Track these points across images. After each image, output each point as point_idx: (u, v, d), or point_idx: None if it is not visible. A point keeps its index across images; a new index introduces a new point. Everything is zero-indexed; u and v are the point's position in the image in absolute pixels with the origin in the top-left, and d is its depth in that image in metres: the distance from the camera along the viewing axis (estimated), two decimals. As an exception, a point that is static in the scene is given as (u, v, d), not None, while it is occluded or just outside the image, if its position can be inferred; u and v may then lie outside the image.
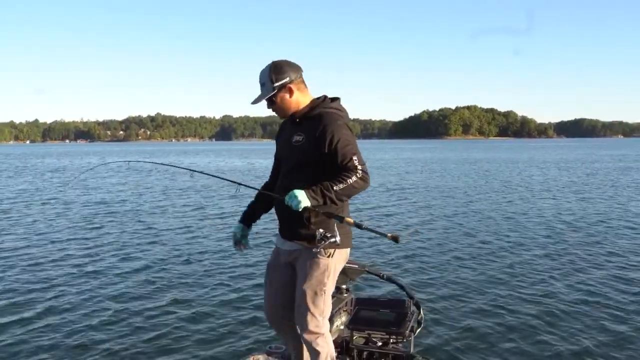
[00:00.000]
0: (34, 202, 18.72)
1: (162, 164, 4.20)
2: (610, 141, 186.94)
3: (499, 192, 21.02)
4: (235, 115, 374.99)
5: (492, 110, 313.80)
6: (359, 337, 3.81)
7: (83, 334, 5.93)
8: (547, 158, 53.94)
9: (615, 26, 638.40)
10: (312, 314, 2.94)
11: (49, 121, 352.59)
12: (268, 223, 8.85)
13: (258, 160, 54.70)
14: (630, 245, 10.50)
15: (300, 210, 2.71)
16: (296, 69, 3.03)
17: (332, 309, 3.63)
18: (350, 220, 2.89)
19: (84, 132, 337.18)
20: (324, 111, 2.96)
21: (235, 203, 17.13)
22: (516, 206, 16.68)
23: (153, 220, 14.03)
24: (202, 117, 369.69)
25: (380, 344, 3.70)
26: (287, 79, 2.96)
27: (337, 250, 2.95)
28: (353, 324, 3.75)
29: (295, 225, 2.98)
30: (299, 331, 3.00)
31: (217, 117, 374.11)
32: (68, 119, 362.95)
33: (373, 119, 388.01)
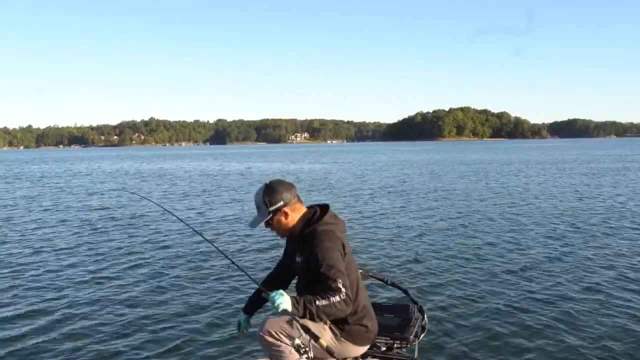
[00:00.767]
0: (35, 209, 18.87)
1: (167, 210, 4.40)
2: (604, 141, 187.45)
3: (499, 194, 21.15)
4: (229, 119, 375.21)
5: (485, 112, 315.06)
6: None
7: (85, 337, 6.07)
8: (544, 159, 54.24)
9: (610, 26, 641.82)
10: (276, 320, 3.15)
11: (42, 126, 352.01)
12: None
13: (256, 164, 54.67)
14: (633, 244, 10.67)
15: (279, 310, 2.78)
16: (289, 188, 3.15)
17: None
18: (324, 343, 2.91)
19: (78, 138, 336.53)
20: (314, 232, 3.08)
21: (236, 207, 17.30)
22: (518, 208, 16.82)
23: (157, 226, 14.28)
24: (196, 121, 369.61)
25: (384, 349, 3.70)
26: (281, 202, 3.09)
27: (339, 342, 3.20)
28: None
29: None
30: None
31: (211, 121, 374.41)
32: (62, 124, 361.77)
33: (367, 121, 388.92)
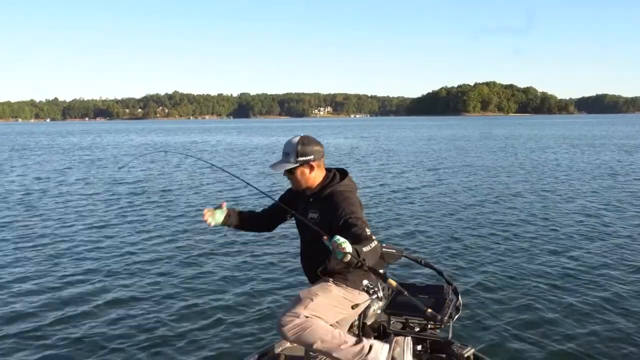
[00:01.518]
0: (70, 180, 19.21)
1: (224, 170, 4.14)
2: (634, 117, 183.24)
3: (529, 171, 20.80)
4: (253, 92, 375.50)
5: (511, 87, 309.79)
6: (396, 322, 3.82)
7: (123, 307, 6.24)
8: (572, 134, 53.24)
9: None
10: (292, 309, 3.10)
11: (68, 99, 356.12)
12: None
13: (281, 138, 54.50)
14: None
15: (347, 251, 2.70)
16: (320, 148, 3.24)
17: None
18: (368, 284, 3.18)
19: (103, 110, 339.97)
20: (334, 190, 3.17)
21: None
22: (550, 185, 16.59)
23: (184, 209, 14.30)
24: (220, 95, 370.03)
25: (417, 329, 3.70)
26: (312, 156, 3.18)
27: (343, 286, 3.21)
28: (390, 308, 3.76)
29: (313, 267, 3.29)
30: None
31: (235, 94, 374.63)
32: (87, 97, 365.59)
33: (391, 96, 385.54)
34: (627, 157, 26.32)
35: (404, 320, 3.77)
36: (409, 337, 3.36)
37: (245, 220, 3.52)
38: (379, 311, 3.88)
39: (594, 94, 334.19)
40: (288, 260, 8.02)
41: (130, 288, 7.04)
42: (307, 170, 3.18)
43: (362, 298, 3.29)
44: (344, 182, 3.21)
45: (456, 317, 3.67)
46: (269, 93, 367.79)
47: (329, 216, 3.08)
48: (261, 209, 3.70)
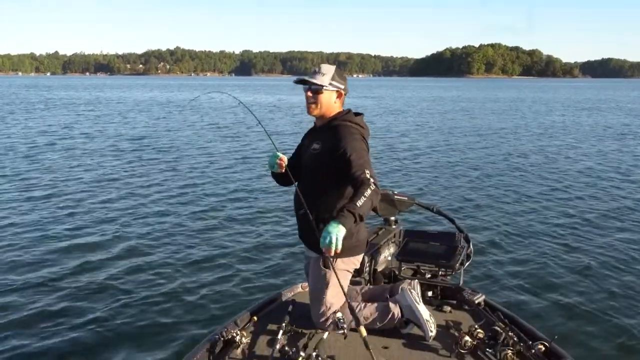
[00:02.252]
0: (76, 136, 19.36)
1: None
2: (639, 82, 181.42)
3: (541, 136, 20.97)
4: (255, 50, 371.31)
5: (516, 49, 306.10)
6: (407, 268, 3.85)
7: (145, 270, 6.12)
8: (578, 98, 52.99)
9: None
10: (317, 310, 3.13)
11: (69, 53, 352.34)
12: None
13: (287, 96, 54.18)
14: None
15: (340, 240, 2.64)
16: (347, 86, 3.18)
17: (381, 240, 3.89)
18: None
19: (104, 65, 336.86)
20: (342, 123, 3.07)
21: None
22: (559, 147, 16.87)
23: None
24: (222, 52, 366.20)
25: (429, 276, 3.73)
26: (343, 86, 3.12)
27: (340, 260, 3.05)
28: (402, 255, 3.78)
29: (306, 230, 3.16)
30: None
31: (237, 52, 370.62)
32: (88, 51, 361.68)
33: (394, 56, 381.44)
34: (633, 121, 26.45)
35: (415, 267, 3.83)
36: (415, 281, 3.36)
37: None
38: (390, 258, 3.96)
39: (600, 58, 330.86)
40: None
41: (143, 237, 7.21)
42: (334, 96, 3.09)
43: (360, 257, 3.25)
44: (356, 120, 3.11)
45: (467, 264, 3.74)
46: (271, 51, 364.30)
47: (331, 149, 2.97)
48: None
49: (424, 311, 3.06)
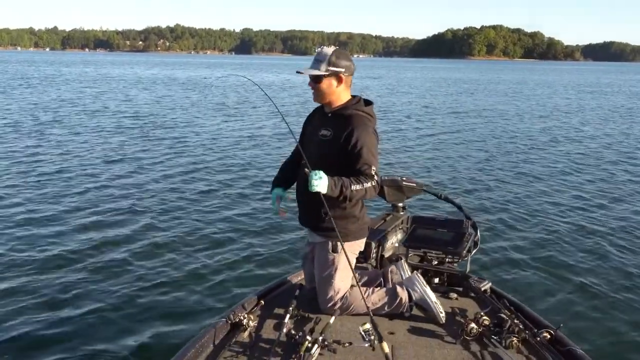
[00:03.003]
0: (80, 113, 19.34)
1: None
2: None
3: (546, 115, 21.13)
4: (256, 28, 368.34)
5: (518, 31, 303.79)
6: (414, 254, 3.85)
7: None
8: (582, 81, 52.77)
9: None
10: (325, 296, 3.16)
11: (68, 29, 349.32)
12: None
13: (290, 76, 53.66)
14: None
15: (312, 191, 2.76)
16: (352, 65, 3.10)
17: (388, 227, 3.90)
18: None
19: (103, 42, 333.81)
20: (355, 113, 3.05)
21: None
22: (565, 130, 17.00)
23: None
24: (222, 30, 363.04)
25: (435, 262, 3.74)
26: (343, 69, 3.03)
27: (347, 244, 3.04)
28: (409, 241, 3.79)
29: (312, 214, 3.15)
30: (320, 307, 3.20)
31: (237, 30, 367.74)
32: (87, 27, 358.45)
33: (395, 37, 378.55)
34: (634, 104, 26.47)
35: (422, 254, 3.82)
36: (402, 261, 3.44)
37: (288, 177, 3.38)
38: (397, 244, 3.96)
39: (601, 41, 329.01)
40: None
41: (141, 218, 7.19)
42: (334, 82, 3.04)
43: (364, 241, 3.30)
44: (368, 109, 3.10)
45: (474, 251, 3.71)
46: (272, 29, 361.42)
47: (342, 136, 2.97)
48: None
49: (431, 294, 3.16)
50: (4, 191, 8.34)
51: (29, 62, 75.90)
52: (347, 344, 2.78)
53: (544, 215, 7.64)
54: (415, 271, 3.37)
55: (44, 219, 7.11)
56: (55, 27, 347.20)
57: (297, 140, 3.21)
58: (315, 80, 3.05)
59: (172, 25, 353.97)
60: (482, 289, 3.41)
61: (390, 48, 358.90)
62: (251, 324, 2.97)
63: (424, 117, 20.01)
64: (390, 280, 3.35)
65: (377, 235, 3.75)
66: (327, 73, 3.01)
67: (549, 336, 2.82)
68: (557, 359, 2.72)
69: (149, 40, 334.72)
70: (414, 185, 3.99)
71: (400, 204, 4.23)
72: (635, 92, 37.67)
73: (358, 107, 3.08)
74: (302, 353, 2.65)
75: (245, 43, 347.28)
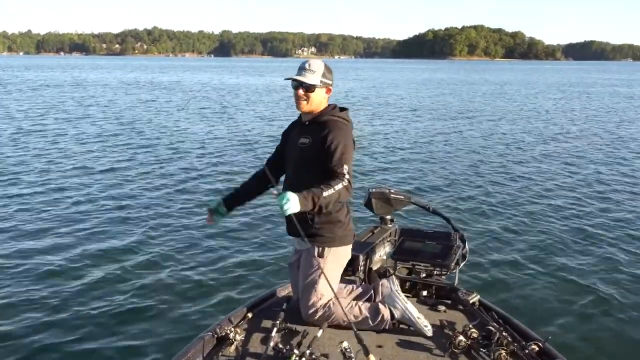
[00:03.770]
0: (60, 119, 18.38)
1: None
2: (621, 65, 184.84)
3: (534, 119, 20.48)
4: (235, 30, 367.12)
5: (499, 31, 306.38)
6: (403, 267, 3.79)
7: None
8: (565, 81, 52.61)
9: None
10: (307, 302, 3.10)
11: (42, 32, 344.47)
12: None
13: (272, 78, 53.29)
14: None
15: (285, 214, 2.72)
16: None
17: (376, 239, 3.85)
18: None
19: (79, 45, 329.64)
20: (331, 118, 3.13)
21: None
22: (550, 131, 16.71)
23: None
24: (201, 32, 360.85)
25: (424, 275, 3.69)
26: (331, 82, 3.19)
27: (333, 249, 3.13)
28: (397, 254, 3.75)
29: (298, 223, 2.93)
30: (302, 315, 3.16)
31: (216, 32, 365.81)
32: (62, 30, 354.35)
33: (376, 37, 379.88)
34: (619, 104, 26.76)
35: (410, 266, 3.75)
36: (392, 276, 3.39)
37: (247, 194, 3.47)
38: (385, 257, 3.92)
39: (582, 40, 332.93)
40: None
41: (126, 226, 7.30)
42: (322, 94, 3.15)
43: (350, 247, 3.27)
44: (343, 115, 3.19)
45: (462, 264, 3.69)
46: (251, 31, 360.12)
47: (320, 142, 3.02)
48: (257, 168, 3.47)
49: (413, 310, 3.10)
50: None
51: (2, 67, 74.48)
52: (334, 358, 2.78)
53: (532, 227, 7.55)
54: (389, 277, 3.34)
55: (30, 229, 7.09)
56: (29, 31, 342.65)
57: (266, 161, 3.36)
58: (309, 89, 3.11)
59: (149, 27, 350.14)
60: (471, 301, 3.37)
61: (372, 49, 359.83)
62: (238, 337, 2.92)
63: (409, 122, 19.51)
64: (380, 294, 3.27)
65: (365, 248, 3.71)
66: (318, 84, 3.12)
67: (537, 348, 2.79)
68: None
69: (126, 43, 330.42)
70: (402, 197, 4.01)
71: (389, 217, 4.17)
72: (618, 92, 37.56)
73: (334, 114, 3.17)
74: None
75: (225, 45, 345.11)
